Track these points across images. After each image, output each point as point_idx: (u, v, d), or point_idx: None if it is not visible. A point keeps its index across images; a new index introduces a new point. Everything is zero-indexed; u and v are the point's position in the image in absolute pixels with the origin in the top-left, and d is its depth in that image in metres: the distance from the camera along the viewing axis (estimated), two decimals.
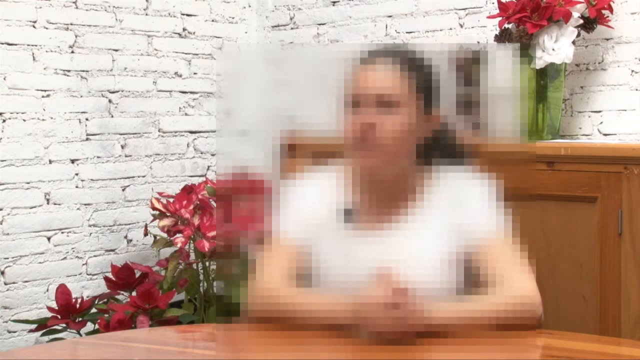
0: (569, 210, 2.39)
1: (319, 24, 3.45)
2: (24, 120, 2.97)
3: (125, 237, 3.24)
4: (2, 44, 2.92)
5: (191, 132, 3.44)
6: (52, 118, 3.04)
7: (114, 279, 2.91)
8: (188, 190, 2.97)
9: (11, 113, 2.94)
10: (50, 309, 2.81)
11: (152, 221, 3.02)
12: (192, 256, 2.95)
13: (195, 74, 3.45)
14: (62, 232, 3.07)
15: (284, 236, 1.85)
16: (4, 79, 2.92)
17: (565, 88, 2.77)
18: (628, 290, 2.29)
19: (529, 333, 1.70)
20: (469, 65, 2.52)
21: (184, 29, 3.41)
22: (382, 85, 1.78)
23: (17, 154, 2.96)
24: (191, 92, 3.44)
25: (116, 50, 3.20)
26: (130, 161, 3.25)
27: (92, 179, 3.14)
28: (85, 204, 3.13)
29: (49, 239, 3.04)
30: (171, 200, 2.94)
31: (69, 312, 2.79)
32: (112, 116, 3.20)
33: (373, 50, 1.87)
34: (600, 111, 2.80)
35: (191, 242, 2.89)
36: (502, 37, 2.66)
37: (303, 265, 1.83)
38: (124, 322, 2.69)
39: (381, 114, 1.77)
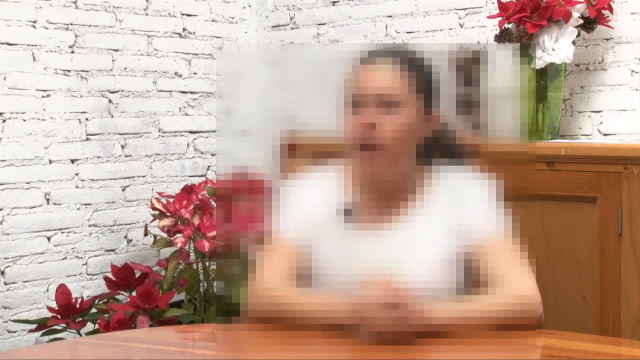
0: (569, 210, 2.39)
1: (319, 24, 3.45)
2: (24, 120, 2.97)
3: (125, 237, 3.24)
4: (2, 44, 2.92)
5: (191, 132, 3.44)
6: (52, 118, 3.04)
7: (114, 279, 2.91)
8: (188, 190, 2.97)
9: (11, 113, 2.94)
10: (50, 309, 2.81)
11: (152, 221, 3.02)
12: (192, 256, 2.95)
13: (195, 74, 3.45)
14: (62, 232, 3.07)
15: (284, 236, 1.85)
16: (4, 79, 2.92)
17: (565, 88, 2.77)
18: (628, 290, 2.29)
19: (529, 333, 1.70)
20: (469, 65, 2.52)
21: (184, 29, 3.41)
22: (383, 85, 1.78)
23: (17, 154, 2.96)
24: (191, 92, 3.44)
25: (116, 50, 3.20)
26: (130, 161, 3.25)
27: (92, 179, 3.14)
28: (85, 204, 3.13)
29: (49, 239, 3.04)
30: (171, 200, 2.94)
31: (69, 312, 2.79)
32: (112, 116, 3.20)
33: (373, 50, 1.87)
34: (600, 111, 2.80)
35: (191, 242, 2.89)
36: (502, 37, 2.66)
37: (303, 265, 1.83)
38: (124, 322, 2.69)
39: (382, 114, 1.77)
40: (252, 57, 3.66)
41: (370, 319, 1.60)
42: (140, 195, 3.28)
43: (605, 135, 2.79)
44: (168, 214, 2.90)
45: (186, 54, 3.41)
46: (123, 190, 3.23)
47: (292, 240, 1.84)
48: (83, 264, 3.13)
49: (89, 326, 2.85)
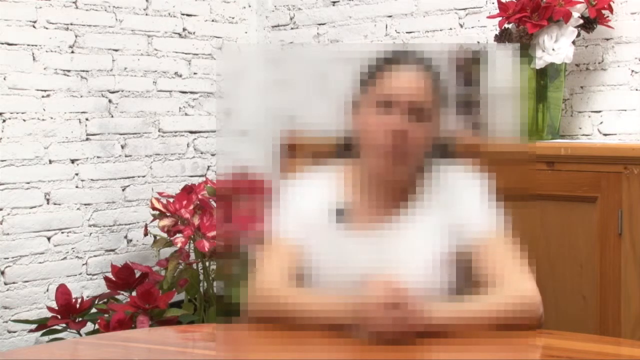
0: (569, 210, 2.39)
1: (319, 24, 3.45)
2: (24, 120, 2.97)
3: (125, 237, 3.25)
4: (2, 44, 2.92)
5: (191, 132, 3.44)
6: (52, 118, 3.04)
7: (114, 279, 2.91)
8: (188, 190, 2.97)
9: (11, 113, 2.94)
10: (50, 309, 2.81)
11: (152, 221, 3.02)
12: (192, 256, 2.95)
13: (195, 74, 3.45)
14: (62, 232, 3.07)
15: (284, 236, 1.85)
16: (4, 79, 2.92)
17: (565, 88, 2.77)
18: (628, 290, 2.29)
19: (529, 333, 1.70)
20: (469, 65, 2.52)
21: (184, 29, 3.41)
22: (416, 95, 1.79)
23: (17, 154, 2.96)
24: (191, 92, 3.44)
25: (116, 50, 3.20)
26: (130, 161, 3.25)
27: (92, 179, 3.14)
28: (85, 204, 3.13)
29: (49, 239, 3.04)
30: (171, 200, 2.94)
31: (69, 312, 2.79)
32: (112, 116, 3.20)
33: (399, 50, 1.88)
34: (600, 111, 2.80)
35: (191, 242, 2.89)
36: (502, 37, 2.66)
37: (302, 265, 1.83)
38: (124, 322, 2.69)
39: (413, 121, 1.77)
40: (252, 57, 3.66)
41: (370, 319, 1.60)
42: (140, 195, 3.28)
43: (605, 135, 2.79)
44: (168, 214, 2.90)
45: (186, 54, 3.41)
46: (123, 190, 3.23)
47: (292, 240, 1.84)
48: (83, 264, 3.13)
49: (89, 326, 2.85)
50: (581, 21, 2.62)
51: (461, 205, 1.82)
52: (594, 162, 2.36)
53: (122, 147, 3.23)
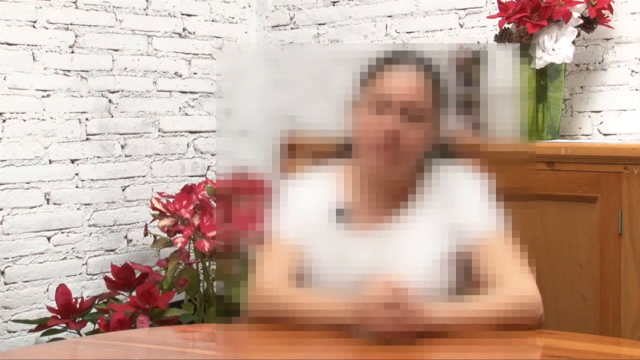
0: (569, 210, 2.39)
1: (319, 24, 3.45)
2: (24, 120, 2.97)
3: (125, 237, 3.24)
4: (2, 44, 2.92)
5: (191, 132, 3.44)
6: (52, 118, 3.04)
7: (114, 279, 2.91)
8: (188, 190, 2.97)
9: (11, 113, 2.94)
10: (50, 309, 2.81)
11: (152, 221, 3.02)
12: (192, 256, 2.95)
13: (195, 74, 3.45)
14: (62, 232, 3.07)
15: (284, 236, 1.85)
16: (4, 79, 2.92)
17: (565, 88, 2.77)
18: (628, 290, 2.29)
19: (530, 333, 1.70)
20: (469, 65, 2.52)
21: (184, 29, 3.41)
22: (411, 95, 1.78)
23: (17, 154, 2.96)
24: (191, 92, 3.44)
25: (116, 50, 3.20)
26: (130, 161, 3.25)
27: (92, 179, 3.14)
28: (85, 204, 3.13)
29: (49, 239, 3.04)
30: (171, 200, 2.94)
31: (69, 312, 2.79)
32: (112, 116, 3.20)
33: (397, 51, 1.87)
34: (600, 111, 2.80)
35: (191, 242, 2.89)
36: (502, 37, 2.66)
37: (302, 265, 1.83)
38: (124, 322, 2.69)
39: (407, 121, 1.77)
40: (252, 57, 3.66)
41: (370, 319, 1.60)
42: (140, 195, 3.28)
43: (605, 135, 2.79)
44: (168, 214, 2.90)
45: (186, 54, 3.41)
46: (123, 190, 3.23)
47: (292, 241, 1.84)
48: (83, 264, 3.13)
49: (89, 326, 2.85)
50: (581, 21, 2.62)
51: (461, 205, 1.82)
52: (594, 162, 2.36)
53: (122, 147, 3.23)
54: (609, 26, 2.68)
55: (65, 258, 3.08)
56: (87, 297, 3.00)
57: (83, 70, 3.11)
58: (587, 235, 2.36)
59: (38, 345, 2.76)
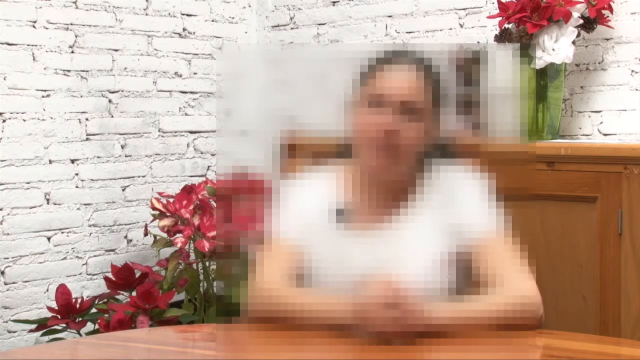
0: (569, 210, 2.39)
1: (319, 24, 3.45)
2: (24, 120, 2.97)
3: (125, 237, 3.24)
4: (2, 44, 2.92)
5: (191, 132, 3.44)
6: (52, 118, 3.04)
7: (114, 279, 2.91)
8: (188, 190, 2.97)
9: (11, 113, 2.94)
10: (50, 309, 2.81)
11: (152, 221, 3.02)
12: (192, 256, 2.95)
13: (195, 74, 3.45)
14: (62, 232, 3.07)
15: (283, 236, 1.85)
16: (4, 79, 2.92)
17: (565, 88, 2.77)
18: (628, 290, 2.29)
19: (530, 333, 1.70)
20: (469, 65, 2.52)
21: (184, 29, 3.41)
22: (407, 92, 1.78)
23: (17, 154, 2.96)
24: (191, 92, 3.44)
25: (116, 50, 3.20)
26: (130, 161, 3.25)
27: (92, 179, 3.14)
28: (85, 204, 3.13)
29: (49, 239, 3.04)
30: (171, 200, 2.94)
31: (69, 312, 2.79)
32: (112, 116, 3.20)
33: (396, 50, 1.88)
34: (600, 111, 2.80)
35: (191, 242, 2.89)
36: (502, 37, 2.66)
37: (302, 265, 1.83)
38: (124, 322, 2.69)
39: (404, 120, 1.77)
40: (252, 57, 3.66)
41: (370, 319, 1.60)
42: (140, 195, 3.28)
43: (605, 135, 2.79)
44: (168, 214, 2.90)
45: (186, 54, 3.41)
46: (123, 190, 3.23)
47: (291, 241, 1.84)
48: (83, 264, 3.13)
49: (89, 326, 2.85)
50: (581, 21, 2.62)
51: (461, 205, 1.82)
52: (594, 162, 2.36)
53: (122, 147, 3.23)
54: (609, 26, 2.68)
55: (65, 258, 3.08)
56: (87, 297, 3.00)
57: (83, 70, 3.11)
58: (587, 235, 2.36)
59: (38, 345, 2.76)
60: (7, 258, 2.94)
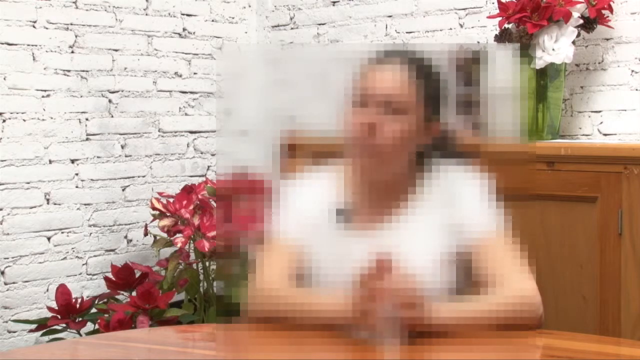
0: (569, 210, 2.39)
1: (319, 24, 3.45)
2: (24, 120, 2.97)
3: (125, 237, 3.24)
4: (2, 44, 2.92)
5: (191, 132, 3.44)
6: (52, 118, 3.04)
7: (114, 279, 2.91)
8: (188, 190, 2.97)
9: (11, 113, 2.94)
10: (50, 309, 2.81)
11: (152, 221, 3.02)
12: (192, 256, 2.95)
13: (195, 74, 3.45)
14: (62, 232, 3.07)
15: (283, 236, 1.85)
16: (4, 79, 2.92)
17: (565, 88, 2.77)
18: (628, 290, 2.29)
19: (529, 333, 1.70)
20: (469, 65, 2.52)
21: (184, 29, 3.41)
22: (390, 88, 1.78)
23: (17, 154, 2.96)
24: (191, 92, 3.44)
25: (116, 50, 3.20)
26: (130, 161, 3.25)
27: (92, 179, 3.14)
28: (85, 204, 3.13)
29: (49, 239, 3.04)
30: (171, 200, 2.94)
31: (69, 312, 2.79)
32: (112, 116, 3.20)
33: (387, 50, 1.87)
34: (600, 111, 2.80)
35: (191, 242, 2.89)
36: (502, 37, 2.66)
37: (302, 265, 1.83)
38: (124, 322, 2.69)
39: (387, 118, 1.76)
40: (252, 57, 3.66)
41: (370, 312, 1.60)
42: (140, 195, 3.28)
43: (605, 135, 2.79)
44: (168, 214, 2.90)
45: (186, 54, 3.41)
46: (123, 190, 3.23)
47: (292, 240, 1.84)
48: (83, 264, 3.13)
49: (89, 326, 2.85)
50: (581, 21, 2.62)
51: (461, 205, 1.82)
52: (594, 162, 2.36)
53: (122, 147, 3.23)
54: (609, 26, 2.68)
55: (65, 258, 3.08)
56: (87, 297, 3.00)
57: (83, 70, 3.11)
58: (587, 235, 2.36)
59: (38, 345, 2.76)
60: (7, 258, 2.94)
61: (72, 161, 3.10)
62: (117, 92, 3.21)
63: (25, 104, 2.97)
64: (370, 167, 1.80)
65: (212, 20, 3.50)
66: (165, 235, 2.93)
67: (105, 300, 2.91)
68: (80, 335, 2.79)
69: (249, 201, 2.80)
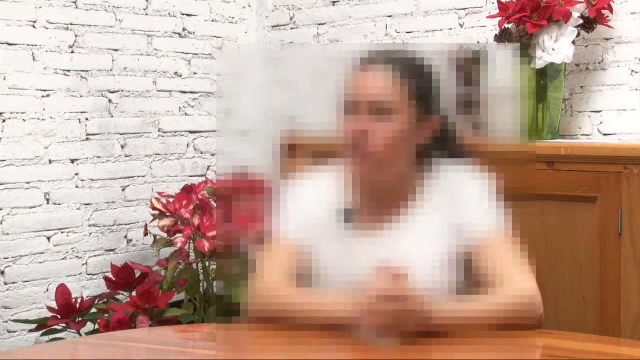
0: (569, 210, 2.39)
1: (319, 24, 3.45)
2: (24, 120, 2.97)
3: (125, 237, 3.24)
4: (2, 44, 2.92)
5: (191, 132, 3.44)
6: (52, 118, 3.04)
7: (114, 279, 2.91)
8: (188, 190, 2.97)
9: (11, 113, 2.94)
10: (50, 309, 2.81)
11: (152, 221, 3.02)
12: (192, 256, 2.95)
13: (195, 74, 3.45)
14: (62, 232, 3.07)
15: (284, 236, 1.85)
16: (4, 79, 2.92)
17: (565, 88, 2.77)
18: (628, 290, 2.29)
19: (530, 333, 1.70)
20: (469, 65, 2.52)
21: (184, 29, 3.41)
22: (376, 92, 1.78)
23: (17, 154, 2.96)
24: (191, 92, 3.44)
25: (116, 50, 3.20)
26: (130, 161, 3.25)
27: (92, 179, 3.14)
28: (85, 204, 3.13)
29: (49, 239, 3.04)
30: (171, 200, 2.94)
31: (69, 312, 2.79)
32: (112, 116, 3.20)
33: (372, 50, 1.87)
34: (600, 111, 2.80)
35: (191, 242, 2.89)
36: (502, 37, 2.66)
37: (303, 266, 1.83)
38: (124, 322, 2.69)
39: (374, 121, 1.76)
40: (252, 57, 3.66)
41: (370, 312, 1.60)
42: (140, 195, 3.28)
43: (605, 135, 2.79)
44: (168, 214, 2.90)
45: (186, 54, 3.41)
46: (123, 190, 3.23)
47: (292, 241, 1.84)
48: (83, 264, 3.13)
49: (89, 326, 2.85)
50: (581, 21, 2.62)
51: (463, 205, 1.82)
52: (594, 162, 2.36)
53: (122, 147, 3.23)
54: (609, 26, 2.68)
55: (65, 258, 3.08)
56: (87, 297, 3.00)
57: (83, 70, 3.11)
58: (587, 235, 2.36)
59: (38, 345, 2.76)
60: (7, 258, 2.94)
61: (72, 161, 3.10)
62: (117, 92, 3.21)
63: (25, 104, 2.97)
64: (369, 171, 1.80)
65: (212, 20, 3.50)
66: (165, 235, 2.93)
67: (105, 300, 2.91)
68: (80, 335, 2.79)
69: (249, 201, 2.80)
